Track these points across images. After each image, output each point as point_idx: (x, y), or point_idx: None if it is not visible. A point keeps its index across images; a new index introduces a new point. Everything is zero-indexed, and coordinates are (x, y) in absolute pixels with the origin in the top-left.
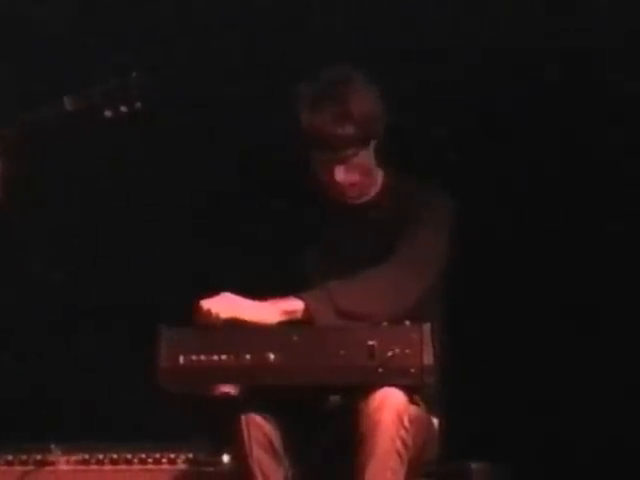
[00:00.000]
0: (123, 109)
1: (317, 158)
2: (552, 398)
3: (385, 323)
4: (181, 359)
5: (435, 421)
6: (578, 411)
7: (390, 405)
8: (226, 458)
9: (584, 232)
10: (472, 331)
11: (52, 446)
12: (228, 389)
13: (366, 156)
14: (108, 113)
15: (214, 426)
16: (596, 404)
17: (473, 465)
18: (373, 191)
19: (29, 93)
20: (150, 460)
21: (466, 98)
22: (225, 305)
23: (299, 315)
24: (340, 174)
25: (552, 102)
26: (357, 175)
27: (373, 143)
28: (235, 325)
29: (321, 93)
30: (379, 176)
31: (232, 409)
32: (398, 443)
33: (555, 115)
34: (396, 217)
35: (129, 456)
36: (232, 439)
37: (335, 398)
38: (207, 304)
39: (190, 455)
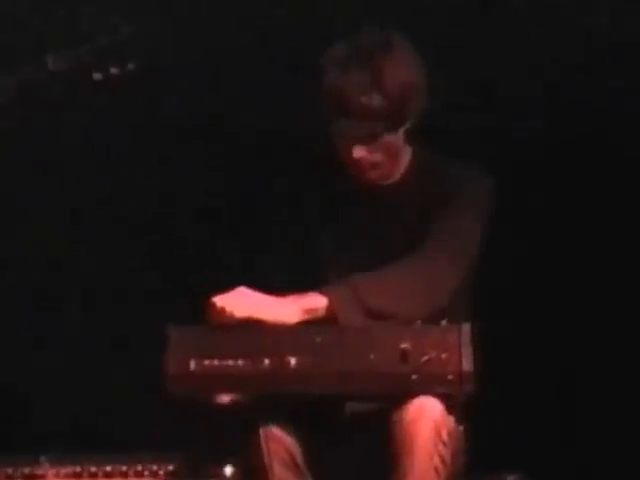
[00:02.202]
0: (114, 71)
1: (336, 129)
2: (589, 410)
3: (419, 322)
4: (192, 364)
5: (460, 428)
6: (616, 424)
7: (427, 417)
8: (229, 470)
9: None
10: (501, 331)
11: (41, 458)
12: (237, 396)
13: (394, 138)
14: (97, 75)
15: (217, 433)
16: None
17: (509, 477)
18: (399, 172)
19: (8, 50)
20: (147, 473)
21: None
22: (240, 302)
23: (322, 313)
24: (361, 151)
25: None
26: (381, 155)
27: (405, 126)
28: (252, 325)
29: (350, 56)
30: (406, 155)
31: (246, 419)
32: (436, 460)
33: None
34: (425, 201)
35: (124, 468)
36: (247, 454)
37: (363, 407)
38: (221, 301)
39: (191, 467)
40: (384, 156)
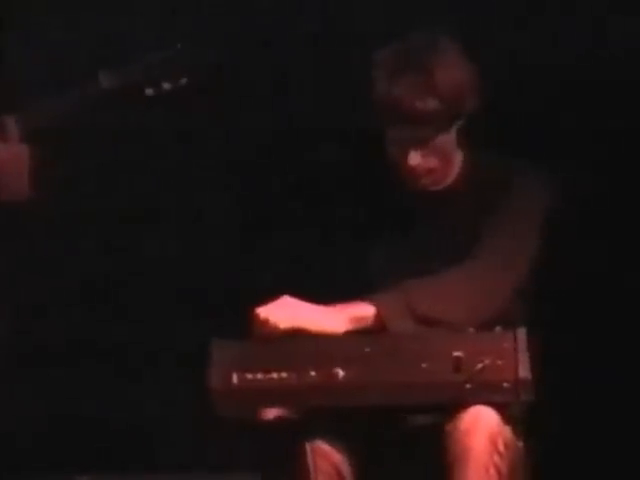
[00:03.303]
0: (166, 86)
1: (391, 136)
2: None
3: (472, 329)
4: (235, 378)
5: (519, 443)
6: None
7: (482, 427)
8: None
9: None
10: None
11: (76, 478)
12: (282, 412)
13: (447, 139)
14: (149, 91)
15: (264, 453)
16: None
17: None
18: (451, 177)
19: (60, 69)
20: None
21: None
22: (285, 313)
23: (370, 322)
24: (416, 158)
25: None
26: (436, 160)
27: (457, 124)
28: (297, 336)
29: (401, 60)
30: (458, 158)
31: (290, 435)
32: (492, 471)
33: None
34: (478, 206)
35: None
36: (293, 471)
37: (413, 419)
38: (264, 312)
39: None
40: (438, 160)
